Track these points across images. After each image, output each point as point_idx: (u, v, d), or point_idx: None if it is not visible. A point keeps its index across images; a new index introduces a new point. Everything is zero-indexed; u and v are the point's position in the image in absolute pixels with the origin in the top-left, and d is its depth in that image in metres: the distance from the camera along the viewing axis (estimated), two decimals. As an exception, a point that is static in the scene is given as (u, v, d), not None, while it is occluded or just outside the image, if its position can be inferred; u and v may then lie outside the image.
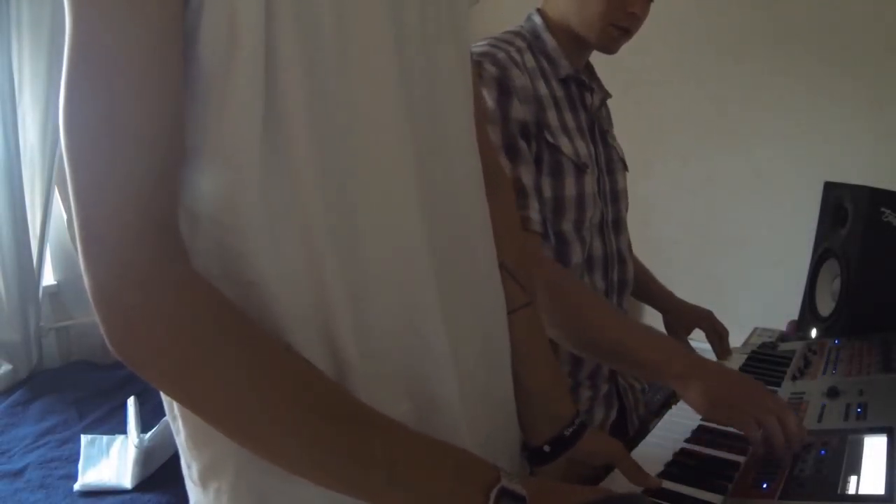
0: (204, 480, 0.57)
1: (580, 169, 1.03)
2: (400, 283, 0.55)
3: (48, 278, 2.83)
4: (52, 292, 2.85)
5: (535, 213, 0.96)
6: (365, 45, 0.52)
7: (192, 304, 0.47)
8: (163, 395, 0.57)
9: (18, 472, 1.90)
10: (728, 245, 2.49)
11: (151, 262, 0.46)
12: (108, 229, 0.45)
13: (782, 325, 1.38)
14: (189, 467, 0.59)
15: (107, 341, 0.46)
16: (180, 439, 0.59)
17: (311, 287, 0.52)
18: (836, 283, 1.24)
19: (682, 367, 0.84)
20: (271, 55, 0.48)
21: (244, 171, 0.49)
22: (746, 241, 2.45)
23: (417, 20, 0.57)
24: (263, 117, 0.48)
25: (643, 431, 0.94)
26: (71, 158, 0.45)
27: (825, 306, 1.28)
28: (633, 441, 0.87)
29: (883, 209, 1.18)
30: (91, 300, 0.45)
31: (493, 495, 0.51)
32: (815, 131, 2.25)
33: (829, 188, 1.34)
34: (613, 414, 1.14)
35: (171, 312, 0.46)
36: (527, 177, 0.96)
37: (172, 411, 0.58)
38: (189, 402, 0.49)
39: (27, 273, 2.67)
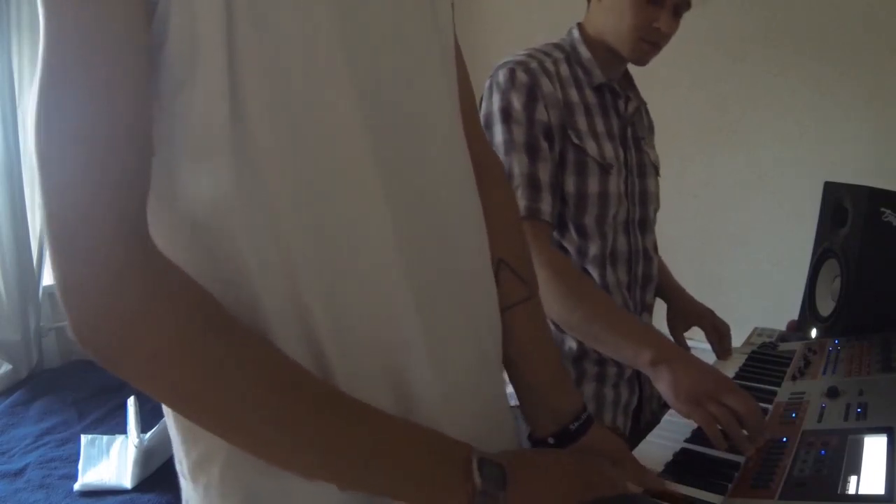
0: (193, 475, 0.58)
1: (604, 168, 1.11)
2: (370, 281, 0.55)
3: (48, 278, 2.83)
4: (52, 292, 2.85)
5: (546, 206, 1.05)
6: (324, 46, 0.52)
7: (166, 299, 0.46)
8: None
9: (18, 472, 1.90)
10: (728, 245, 2.49)
11: (123, 261, 0.45)
12: (80, 229, 0.45)
13: (782, 325, 1.38)
14: (181, 462, 0.59)
15: (76, 339, 0.45)
16: (173, 434, 0.59)
17: (286, 285, 0.52)
18: (836, 283, 1.24)
19: (655, 355, 0.93)
20: (233, 59, 0.48)
21: (215, 172, 0.50)
22: (746, 241, 2.44)
23: (389, 19, 0.56)
24: (230, 120, 0.49)
25: (648, 427, 0.94)
26: (42, 158, 0.45)
27: (825, 306, 1.28)
28: (633, 441, 0.87)
29: (882, 209, 1.18)
30: (60, 298, 0.45)
31: (474, 465, 0.52)
32: (815, 131, 2.25)
33: (829, 188, 1.34)
34: (635, 400, 1.19)
35: (145, 309, 0.45)
36: (543, 173, 1.05)
37: (166, 407, 0.59)
38: (165, 395, 0.49)
39: (27, 273, 2.67)
